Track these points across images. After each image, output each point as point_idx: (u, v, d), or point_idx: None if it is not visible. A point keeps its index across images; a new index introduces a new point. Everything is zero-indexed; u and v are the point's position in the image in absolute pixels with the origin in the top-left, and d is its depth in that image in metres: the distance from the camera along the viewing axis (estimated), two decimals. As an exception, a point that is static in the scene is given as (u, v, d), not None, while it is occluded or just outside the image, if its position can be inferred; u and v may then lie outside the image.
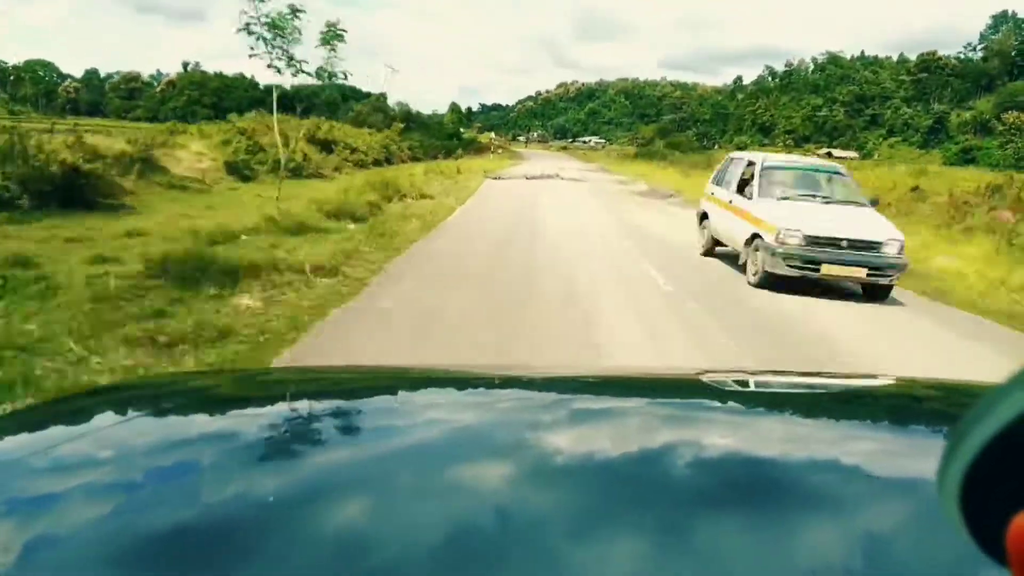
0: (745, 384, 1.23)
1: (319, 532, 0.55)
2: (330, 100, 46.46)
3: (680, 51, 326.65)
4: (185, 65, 78.27)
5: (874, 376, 1.89)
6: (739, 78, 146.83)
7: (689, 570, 0.51)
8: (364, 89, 69.65)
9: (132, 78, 73.32)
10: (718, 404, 1.06)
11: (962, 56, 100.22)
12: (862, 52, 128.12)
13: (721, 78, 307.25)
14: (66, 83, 79.20)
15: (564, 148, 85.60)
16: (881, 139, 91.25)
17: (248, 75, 51.28)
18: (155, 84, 67.26)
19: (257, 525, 0.56)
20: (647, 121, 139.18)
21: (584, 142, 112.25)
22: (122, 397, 1.05)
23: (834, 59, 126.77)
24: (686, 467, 0.69)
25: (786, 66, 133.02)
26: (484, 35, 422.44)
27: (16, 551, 0.51)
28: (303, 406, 1.00)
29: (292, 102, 12.02)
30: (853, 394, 1.22)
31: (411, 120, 44.00)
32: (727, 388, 1.17)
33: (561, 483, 0.66)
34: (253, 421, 0.91)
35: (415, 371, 1.34)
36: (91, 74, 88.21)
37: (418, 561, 0.52)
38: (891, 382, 1.34)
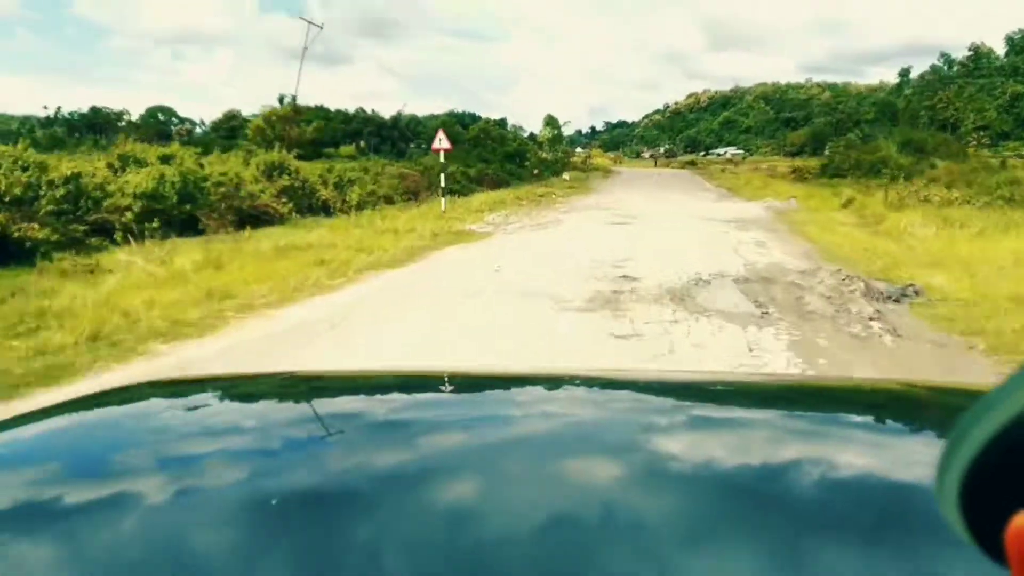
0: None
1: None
2: (443, 123, 36.96)
3: (819, 54, 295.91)
4: (280, 99, 69.54)
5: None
6: (906, 70, 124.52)
7: None
8: (484, 116, 63.48)
9: (231, 116, 66.79)
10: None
11: None
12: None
13: (867, 79, 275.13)
14: (180, 125, 78.07)
15: (691, 162, 66.19)
16: None
17: (369, 109, 42.12)
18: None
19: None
20: (793, 127, 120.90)
21: (719, 154, 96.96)
22: (124, 402, 1.04)
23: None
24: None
25: (969, 49, 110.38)
26: (610, 55, 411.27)
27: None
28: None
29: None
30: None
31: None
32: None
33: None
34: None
35: (435, 373, 1.30)
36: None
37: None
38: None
